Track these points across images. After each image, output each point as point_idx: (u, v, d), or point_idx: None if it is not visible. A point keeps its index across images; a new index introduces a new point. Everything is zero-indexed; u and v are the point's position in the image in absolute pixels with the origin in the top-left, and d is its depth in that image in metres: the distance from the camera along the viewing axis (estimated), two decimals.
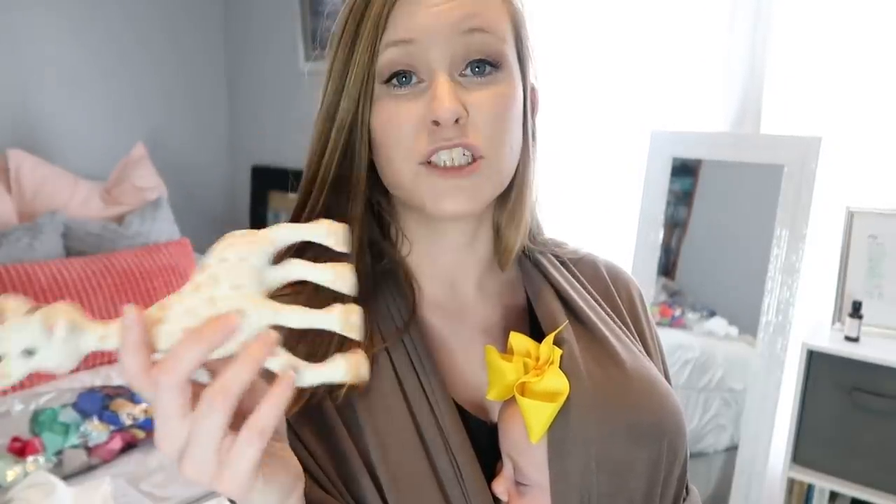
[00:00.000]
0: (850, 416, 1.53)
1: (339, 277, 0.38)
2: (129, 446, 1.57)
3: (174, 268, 2.27)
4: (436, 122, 0.50)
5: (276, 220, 2.84)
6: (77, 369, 1.96)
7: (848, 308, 1.60)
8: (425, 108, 0.50)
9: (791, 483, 1.63)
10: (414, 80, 0.51)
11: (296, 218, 0.58)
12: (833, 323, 1.65)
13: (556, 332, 0.55)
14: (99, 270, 2.10)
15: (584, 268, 0.67)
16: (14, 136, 2.54)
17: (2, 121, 2.53)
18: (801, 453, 1.60)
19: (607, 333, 0.58)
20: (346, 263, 0.38)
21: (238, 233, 0.38)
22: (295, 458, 0.42)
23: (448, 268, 0.61)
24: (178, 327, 0.36)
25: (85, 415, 1.52)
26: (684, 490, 0.59)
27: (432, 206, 0.52)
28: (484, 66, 0.51)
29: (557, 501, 0.50)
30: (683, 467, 0.56)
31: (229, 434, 0.35)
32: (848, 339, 1.55)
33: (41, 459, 1.41)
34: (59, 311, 0.35)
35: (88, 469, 1.49)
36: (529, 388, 0.51)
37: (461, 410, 0.55)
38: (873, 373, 1.49)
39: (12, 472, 1.36)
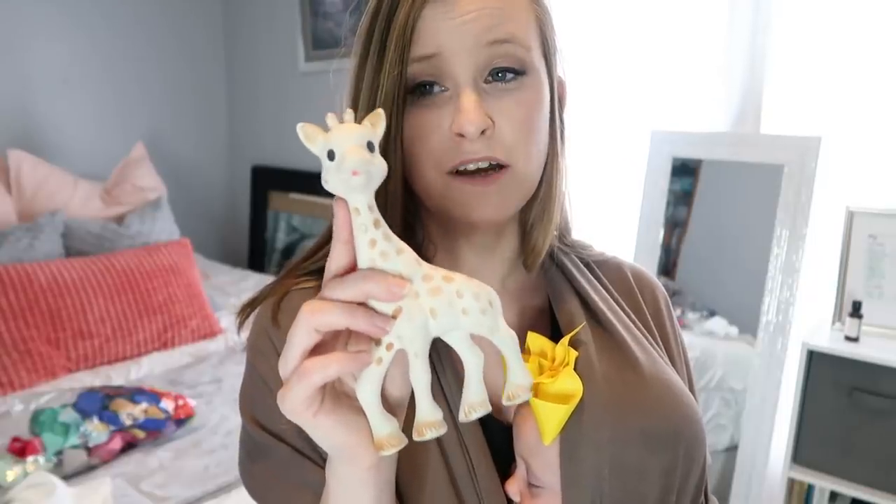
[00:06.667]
0: (849, 417, 1.53)
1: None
2: (129, 446, 1.57)
3: (174, 268, 2.26)
4: (461, 135, 0.50)
5: (276, 221, 2.83)
6: (77, 369, 1.96)
7: (848, 308, 1.60)
8: (451, 120, 0.50)
9: (791, 483, 1.63)
10: (438, 89, 0.51)
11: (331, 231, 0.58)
12: (833, 323, 1.65)
13: (573, 333, 0.55)
14: (99, 270, 2.10)
15: (608, 271, 0.66)
16: (14, 136, 2.54)
17: (2, 121, 2.53)
18: (801, 453, 1.60)
19: (627, 337, 0.57)
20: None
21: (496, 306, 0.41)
22: (369, 437, 0.43)
23: (471, 268, 0.60)
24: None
25: (85, 415, 1.52)
26: (703, 498, 0.58)
27: (460, 213, 0.52)
28: (509, 73, 0.51)
29: (570, 503, 0.50)
30: (701, 476, 0.55)
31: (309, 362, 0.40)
32: (848, 339, 1.55)
33: (41, 459, 1.41)
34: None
35: (88, 469, 1.49)
36: (543, 389, 0.51)
37: None
38: (873, 373, 1.48)
39: (12, 472, 1.36)
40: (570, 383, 0.50)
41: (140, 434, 1.58)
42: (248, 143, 3.28)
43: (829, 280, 1.68)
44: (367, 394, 0.41)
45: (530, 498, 0.52)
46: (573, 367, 0.52)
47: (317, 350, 0.40)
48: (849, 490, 1.54)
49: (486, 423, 0.54)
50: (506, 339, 0.41)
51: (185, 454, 1.56)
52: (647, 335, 0.61)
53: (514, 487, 0.53)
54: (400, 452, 0.47)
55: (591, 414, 0.50)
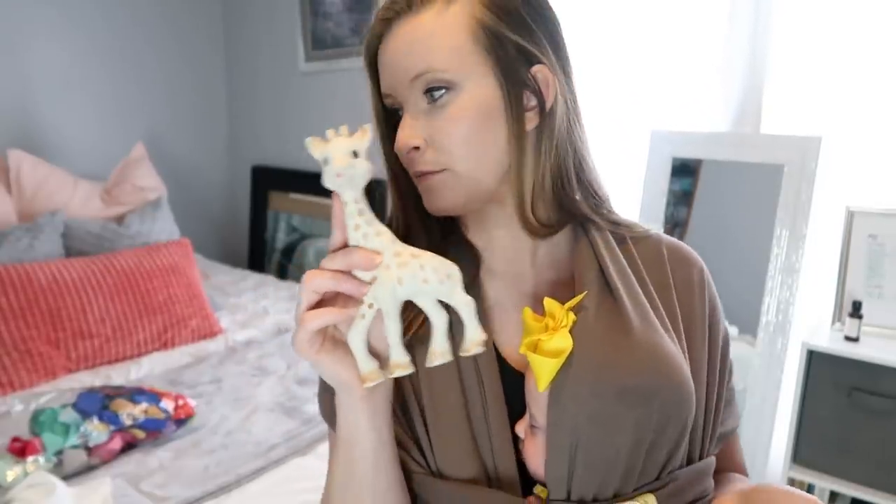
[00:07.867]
0: (849, 416, 1.53)
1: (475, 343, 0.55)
2: (129, 446, 1.57)
3: (174, 268, 2.26)
4: None
5: (276, 221, 2.82)
6: (77, 369, 1.96)
7: (848, 308, 1.60)
8: None
9: (791, 483, 1.63)
10: (402, 111, 0.64)
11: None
12: (833, 323, 1.65)
13: (576, 300, 0.62)
14: (99, 270, 2.10)
15: (644, 246, 0.71)
16: (14, 136, 2.54)
17: (2, 121, 2.53)
18: (801, 453, 1.60)
19: (628, 305, 0.63)
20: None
21: (456, 274, 0.53)
22: (358, 374, 0.57)
23: (503, 243, 0.69)
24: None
25: (85, 415, 1.52)
26: (683, 453, 0.63)
27: (425, 204, 0.66)
28: (435, 91, 0.60)
29: (552, 443, 0.59)
30: (681, 432, 0.61)
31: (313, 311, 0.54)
32: (848, 339, 1.56)
33: (41, 459, 1.41)
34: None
35: (88, 469, 1.49)
36: (541, 345, 0.60)
37: (506, 363, 0.66)
38: (873, 373, 1.49)
39: (12, 472, 1.36)
40: (561, 341, 0.59)
41: (140, 434, 1.58)
42: (247, 144, 3.28)
43: (829, 280, 1.68)
44: (355, 340, 0.54)
45: (530, 436, 0.62)
46: (569, 328, 0.60)
47: (319, 306, 0.54)
48: (848, 490, 1.54)
49: (510, 374, 0.65)
50: (461, 304, 0.53)
51: (185, 454, 1.56)
52: (662, 308, 0.66)
53: (520, 427, 0.63)
54: (426, 392, 0.63)
55: (577, 370, 0.59)
